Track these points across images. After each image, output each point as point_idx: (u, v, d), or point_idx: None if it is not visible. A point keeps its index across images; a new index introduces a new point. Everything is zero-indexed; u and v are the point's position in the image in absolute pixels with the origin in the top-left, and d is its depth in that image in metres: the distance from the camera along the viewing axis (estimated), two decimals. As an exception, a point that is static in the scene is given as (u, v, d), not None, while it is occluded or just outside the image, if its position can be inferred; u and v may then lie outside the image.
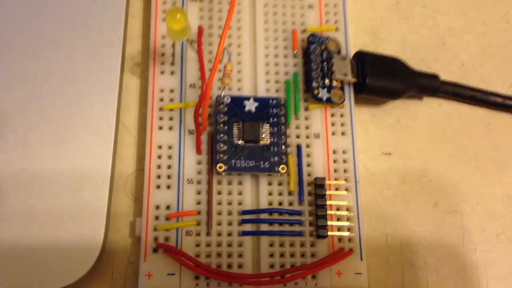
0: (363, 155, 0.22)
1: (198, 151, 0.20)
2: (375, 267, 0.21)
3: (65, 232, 0.18)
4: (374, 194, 0.22)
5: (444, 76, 0.23)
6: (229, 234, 0.19)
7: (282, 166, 0.20)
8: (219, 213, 0.19)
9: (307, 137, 0.21)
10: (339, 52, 0.22)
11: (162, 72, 0.21)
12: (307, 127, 0.21)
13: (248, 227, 0.19)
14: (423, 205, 0.22)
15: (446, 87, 0.23)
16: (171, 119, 0.20)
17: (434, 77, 0.22)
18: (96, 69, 0.20)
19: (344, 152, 0.21)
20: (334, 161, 0.21)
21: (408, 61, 0.23)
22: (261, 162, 0.19)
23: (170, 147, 0.20)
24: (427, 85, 0.22)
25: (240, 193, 0.20)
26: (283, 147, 0.20)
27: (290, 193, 0.20)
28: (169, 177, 0.20)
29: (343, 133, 0.21)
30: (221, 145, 0.20)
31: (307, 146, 0.21)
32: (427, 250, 0.21)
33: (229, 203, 0.20)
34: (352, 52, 0.22)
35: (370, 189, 0.22)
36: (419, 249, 0.21)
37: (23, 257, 0.18)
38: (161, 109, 0.20)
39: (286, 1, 0.23)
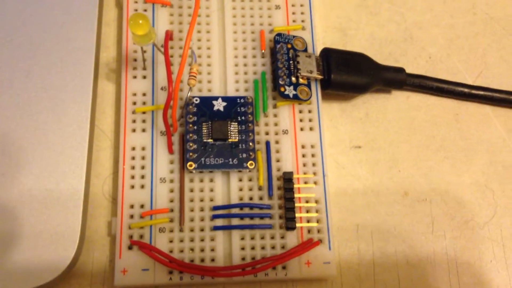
0: (333, 149, 0.23)
1: (170, 151, 0.21)
2: (346, 257, 0.21)
3: (42, 232, 0.19)
4: (344, 186, 0.22)
5: (412, 69, 0.24)
6: (202, 230, 0.20)
7: (250, 162, 0.20)
8: (192, 210, 0.20)
9: (276, 133, 0.21)
10: (305, 50, 0.22)
11: (135, 77, 0.22)
12: (275, 124, 0.22)
13: (219, 222, 0.20)
14: (392, 195, 0.22)
15: (412, 79, 0.23)
16: (143, 121, 0.21)
17: (399, 70, 0.23)
18: (70, 76, 0.21)
19: (312, 146, 0.21)
20: (303, 156, 0.21)
21: (376, 56, 0.24)
22: (230, 159, 0.20)
23: (143, 148, 0.21)
24: (393, 79, 0.23)
25: (211, 190, 0.20)
26: (251, 144, 0.21)
27: (260, 188, 0.21)
28: (142, 177, 0.20)
29: (311, 128, 0.22)
30: (191, 144, 0.20)
31: (276, 142, 0.21)
32: (397, 239, 0.22)
33: (201, 200, 0.20)
34: (319, 50, 0.23)
35: (341, 181, 0.22)
36: (389, 237, 0.22)
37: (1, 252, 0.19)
38: (134, 112, 0.21)
39: (254, 2, 0.23)
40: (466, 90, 0.24)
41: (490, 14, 0.26)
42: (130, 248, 0.19)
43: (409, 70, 0.24)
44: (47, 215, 0.19)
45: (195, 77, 0.20)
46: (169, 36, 0.20)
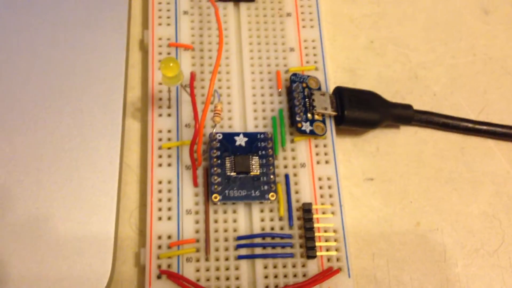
0: (347, 181, 0.24)
1: (195, 184, 0.22)
2: (364, 285, 0.22)
3: (75, 264, 0.20)
4: (359, 217, 0.23)
5: (418, 106, 0.25)
6: (226, 259, 0.21)
7: (271, 193, 0.21)
8: (216, 240, 0.21)
9: (294, 166, 0.23)
10: (319, 88, 0.24)
11: (160, 115, 0.23)
12: (293, 158, 0.23)
13: (243, 251, 0.21)
14: (405, 225, 0.23)
15: (420, 115, 0.25)
16: (169, 156, 0.22)
17: (407, 107, 0.25)
18: (101, 116, 0.22)
19: (328, 178, 0.23)
20: (320, 187, 0.22)
21: (384, 94, 0.25)
22: (252, 191, 0.21)
23: (169, 182, 0.22)
24: (401, 115, 0.24)
25: (235, 221, 0.22)
26: (272, 176, 0.22)
27: (280, 219, 0.22)
28: (169, 209, 0.21)
29: (327, 162, 0.23)
30: (215, 177, 0.21)
31: (295, 175, 0.23)
32: (412, 267, 0.23)
33: (225, 230, 0.21)
34: (331, 88, 0.24)
35: (356, 212, 0.23)
36: (404, 266, 0.23)
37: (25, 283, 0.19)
38: (160, 148, 0.22)
39: (270, 45, 0.25)
40: (470, 125, 0.25)
41: (489, 55, 0.28)
42: (159, 277, 0.20)
43: (415, 106, 0.25)
44: (79, 251, 0.20)
45: (219, 114, 0.21)
46: (194, 77, 0.22)
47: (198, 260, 0.21)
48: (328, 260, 0.21)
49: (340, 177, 0.23)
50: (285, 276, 0.21)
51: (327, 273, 0.21)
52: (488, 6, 0.29)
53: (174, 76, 0.20)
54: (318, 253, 0.21)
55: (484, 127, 0.25)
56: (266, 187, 0.22)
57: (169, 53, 0.24)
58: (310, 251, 0.21)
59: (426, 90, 0.26)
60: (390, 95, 0.26)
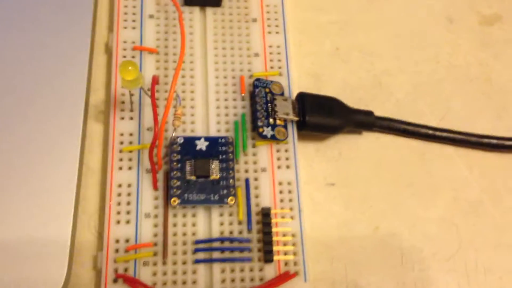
0: (308, 186, 0.24)
1: (155, 188, 0.22)
2: (321, 288, 0.22)
3: (30, 266, 0.20)
4: (319, 221, 0.24)
5: (381, 112, 0.26)
6: (184, 263, 0.21)
7: (230, 197, 0.22)
8: (175, 244, 0.21)
9: (255, 171, 0.23)
10: (282, 94, 0.24)
11: (122, 118, 0.23)
12: (254, 162, 0.23)
13: (201, 255, 0.21)
14: (365, 229, 0.24)
15: (381, 122, 0.25)
16: (130, 160, 0.22)
17: (369, 113, 0.25)
18: (61, 118, 0.22)
19: (289, 183, 0.23)
20: (280, 192, 0.23)
21: (348, 100, 0.25)
22: (212, 195, 0.22)
23: (129, 185, 0.22)
24: (363, 121, 0.25)
25: (193, 225, 0.22)
26: (231, 180, 0.22)
27: (239, 223, 0.22)
28: (128, 212, 0.21)
29: (287, 167, 0.23)
30: (175, 181, 0.22)
31: (255, 179, 0.23)
32: (370, 271, 0.23)
33: (184, 234, 0.21)
34: (295, 93, 0.25)
35: (316, 216, 0.24)
36: (362, 270, 0.23)
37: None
38: (120, 151, 0.22)
39: (235, 50, 0.25)
40: (430, 131, 0.26)
41: (452, 63, 0.28)
42: (115, 281, 0.20)
43: (378, 113, 0.25)
44: (35, 253, 0.20)
45: (179, 118, 0.21)
46: (155, 80, 0.22)
47: (155, 264, 0.21)
48: (286, 264, 0.21)
49: (301, 182, 0.23)
50: (242, 280, 0.21)
51: (284, 277, 0.21)
52: (452, 15, 0.29)
53: (133, 80, 0.20)
54: (275, 257, 0.21)
55: (444, 134, 0.26)
56: (225, 191, 0.22)
57: (133, 57, 0.24)
58: (267, 255, 0.21)
59: (389, 97, 0.27)
60: (354, 102, 0.26)
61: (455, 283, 0.23)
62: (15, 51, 0.23)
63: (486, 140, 0.26)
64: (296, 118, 0.24)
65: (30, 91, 0.23)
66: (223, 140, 0.23)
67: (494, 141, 0.26)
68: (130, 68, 0.20)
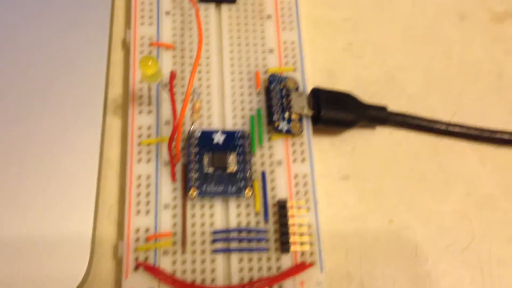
0: (323, 179, 0.25)
1: (173, 179, 0.22)
2: (337, 279, 0.23)
3: (53, 258, 0.20)
4: (334, 214, 0.24)
5: (394, 107, 0.26)
6: (202, 252, 0.21)
7: (247, 189, 0.22)
8: (193, 234, 0.22)
9: (271, 164, 0.23)
10: (297, 89, 0.25)
11: (140, 112, 0.24)
12: (270, 156, 0.23)
13: (219, 245, 0.22)
14: (378, 222, 0.24)
15: (394, 117, 0.25)
16: (149, 152, 0.23)
17: (382, 108, 0.25)
18: (81, 113, 0.23)
19: (304, 176, 0.23)
20: (296, 185, 0.23)
21: (361, 95, 0.26)
22: (229, 187, 0.22)
23: (148, 177, 0.22)
24: (376, 116, 0.25)
25: (211, 215, 0.22)
26: (248, 173, 0.22)
27: (256, 214, 0.22)
28: (147, 203, 0.22)
29: (303, 160, 0.24)
30: (193, 173, 0.22)
31: (271, 172, 0.23)
32: (384, 262, 0.23)
33: (202, 225, 0.22)
34: (309, 89, 0.25)
35: (331, 209, 0.24)
36: (376, 261, 0.23)
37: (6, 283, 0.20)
38: (139, 144, 0.23)
39: (250, 46, 0.26)
40: (443, 126, 0.26)
41: (464, 59, 0.28)
42: (136, 269, 0.21)
43: (391, 108, 0.26)
44: (57, 245, 0.21)
45: (197, 112, 0.22)
46: (174, 76, 0.22)
47: (174, 253, 0.21)
48: (302, 254, 0.22)
49: (316, 175, 0.23)
50: (260, 269, 0.21)
51: (300, 267, 0.21)
52: (464, 12, 0.30)
53: (153, 74, 0.21)
54: (292, 248, 0.22)
55: (457, 129, 0.26)
56: (242, 183, 0.22)
57: (150, 52, 0.25)
58: (284, 246, 0.21)
59: (402, 92, 0.27)
60: (367, 97, 0.26)
61: (468, 275, 0.23)
62: (37, 49, 0.24)
63: (498, 135, 0.26)
64: (310, 113, 0.24)
65: (51, 88, 0.23)
66: (239, 134, 0.23)
67: (506, 136, 0.26)
68: (150, 63, 0.20)
